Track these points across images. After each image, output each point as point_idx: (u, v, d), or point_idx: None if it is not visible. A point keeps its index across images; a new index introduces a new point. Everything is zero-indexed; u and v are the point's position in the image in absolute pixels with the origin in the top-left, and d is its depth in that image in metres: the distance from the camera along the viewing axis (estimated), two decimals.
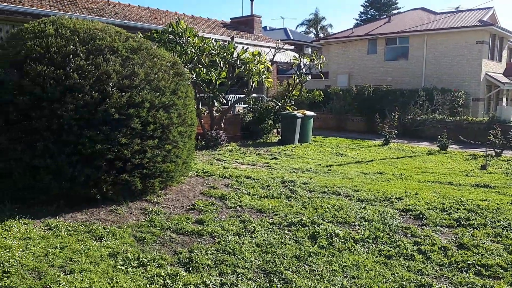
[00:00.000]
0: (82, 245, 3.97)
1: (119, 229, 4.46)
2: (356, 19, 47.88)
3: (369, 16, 45.91)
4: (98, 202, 5.19)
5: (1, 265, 3.49)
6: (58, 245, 3.95)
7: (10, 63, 5.14)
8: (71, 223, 4.57)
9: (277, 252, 4.05)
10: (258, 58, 11.31)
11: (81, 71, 5.14)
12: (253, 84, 11.72)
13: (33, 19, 6.60)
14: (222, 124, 11.71)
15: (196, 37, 10.43)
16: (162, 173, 5.80)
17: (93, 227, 4.46)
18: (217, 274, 3.58)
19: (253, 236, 4.45)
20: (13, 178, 4.94)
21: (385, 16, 34.44)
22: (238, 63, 11.18)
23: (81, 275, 3.37)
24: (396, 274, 3.72)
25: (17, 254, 3.71)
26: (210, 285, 3.38)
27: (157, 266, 3.64)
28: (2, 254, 3.68)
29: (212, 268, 3.68)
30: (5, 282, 3.22)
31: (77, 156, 4.96)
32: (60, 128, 4.94)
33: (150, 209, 5.19)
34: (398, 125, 14.09)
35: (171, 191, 6.11)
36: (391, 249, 4.26)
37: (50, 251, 3.82)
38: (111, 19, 11.86)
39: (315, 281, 3.54)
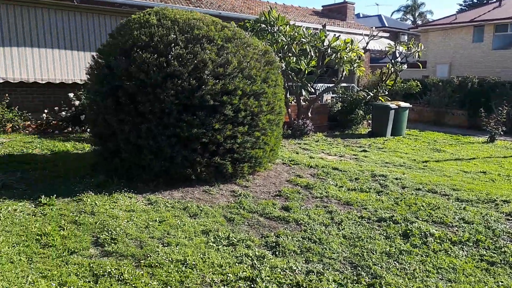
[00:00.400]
0: (178, 221, 4.26)
1: (211, 209, 4.69)
2: (460, 5, 43.87)
3: (475, 1, 41.65)
4: (193, 182, 5.50)
5: (110, 232, 3.89)
6: (157, 219, 4.29)
7: (120, 51, 5.62)
8: (168, 200, 4.92)
9: (365, 246, 3.92)
10: (350, 46, 10.95)
11: (181, 59, 5.43)
12: (344, 73, 11.40)
13: (139, 10, 7.12)
14: (309, 114, 11.60)
15: (287, 26, 10.41)
16: (251, 159, 5.96)
17: (188, 204, 4.75)
18: (303, 261, 3.58)
19: (340, 228, 4.36)
20: (121, 156, 5.46)
21: (494, 0, 30.91)
22: (329, 51, 10.93)
23: (177, 248, 3.61)
24: (500, 283, 3.37)
25: (122, 224, 4.11)
26: (296, 270, 3.39)
27: (245, 247, 3.77)
28: (110, 223, 4.10)
29: (298, 255, 3.70)
30: (112, 248, 3.59)
31: (175, 139, 5.31)
32: (161, 111, 5.31)
33: (239, 192, 5.37)
34: (506, 121, 12.66)
35: (259, 176, 6.25)
36: (495, 255, 3.87)
37: (150, 223, 4.16)
38: (207, 9, 12.38)
39: (406, 280, 3.36)
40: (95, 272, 3.15)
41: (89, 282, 3.02)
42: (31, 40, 9.13)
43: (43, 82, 9.35)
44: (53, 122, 9.29)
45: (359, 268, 3.51)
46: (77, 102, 9.24)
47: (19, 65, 9.03)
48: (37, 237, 3.73)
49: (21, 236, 3.73)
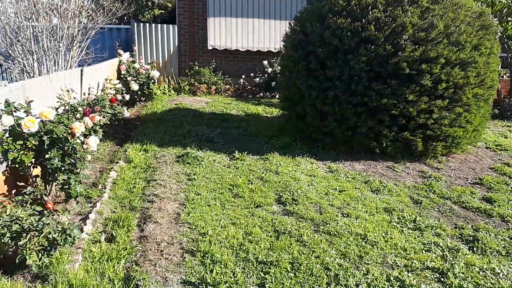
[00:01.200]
0: (359, 193, 4.07)
1: (395, 186, 4.33)
2: None
3: None
4: (375, 155, 5.19)
5: (291, 193, 3.99)
6: (337, 188, 4.19)
7: (316, 17, 5.58)
8: (349, 170, 4.76)
9: None
10: None
11: (377, 23, 5.06)
12: None
13: None
14: None
15: None
16: (447, 138, 5.23)
17: (370, 178, 4.49)
18: (510, 265, 2.94)
19: None
20: (305, 121, 5.53)
21: None
22: None
23: (357, 221, 3.45)
24: None
25: (303, 187, 4.17)
26: (500, 274, 2.81)
27: (434, 235, 3.32)
28: (292, 184, 4.21)
29: (503, 256, 3.06)
30: (293, 208, 3.66)
31: (362, 108, 5.05)
32: (350, 78, 5.10)
33: (429, 173, 4.80)
34: None
35: (454, 159, 5.46)
36: None
37: (330, 191, 4.09)
38: None
39: None
40: (276, 228, 3.27)
41: (271, 236, 3.15)
42: (236, 10, 10.02)
43: (243, 50, 10.22)
44: (248, 87, 10.15)
45: None
46: (269, 69, 9.82)
47: (225, 33, 10.07)
48: (229, 187, 4.11)
49: (217, 184, 4.17)
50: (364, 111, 5.07)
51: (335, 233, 3.23)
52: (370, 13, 5.10)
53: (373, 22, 5.07)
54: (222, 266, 2.72)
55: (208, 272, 2.65)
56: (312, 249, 2.99)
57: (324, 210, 3.66)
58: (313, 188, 4.17)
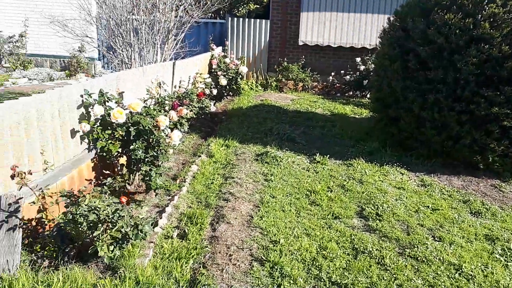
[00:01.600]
0: (455, 214, 3.56)
1: (500, 210, 3.72)
2: None
3: None
4: (478, 170, 4.56)
5: (375, 206, 3.63)
6: (429, 205, 3.73)
7: (418, 12, 5.05)
8: (445, 186, 4.22)
9: None
10: None
11: (494, 20, 4.42)
12: None
13: None
14: None
15: None
16: None
17: (470, 198, 3.92)
18: None
19: None
20: (399, 126, 5.05)
21: None
22: None
23: (451, 248, 2.99)
24: None
25: (390, 201, 3.77)
26: None
27: None
28: (377, 197, 3.83)
29: None
30: (376, 224, 3.32)
31: (467, 116, 4.45)
32: (455, 82, 4.53)
33: None
34: None
35: None
36: None
37: (421, 209, 3.65)
38: None
39: None
40: (355, 246, 2.97)
41: (348, 255, 2.86)
42: (331, 4, 9.61)
43: (335, 46, 9.79)
44: (337, 85, 9.72)
45: None
46: (362, 67, 9.28)
47: (317, 29, 9.74)
48: (307, 192, 3.89)
49: (294, 187, 3.98)
50: (469, 119, 4.46)
51: (423, 259, 2.83)
52: (486, 8, 4.47)
53: (489, 19, 4.43)
54: (291, 281, 2.52)
55: (275, 287, 2.47)
56: (394, 274, 2.64)
57: (412, 230, 3.25)
58: (401, 203, 3.76)
